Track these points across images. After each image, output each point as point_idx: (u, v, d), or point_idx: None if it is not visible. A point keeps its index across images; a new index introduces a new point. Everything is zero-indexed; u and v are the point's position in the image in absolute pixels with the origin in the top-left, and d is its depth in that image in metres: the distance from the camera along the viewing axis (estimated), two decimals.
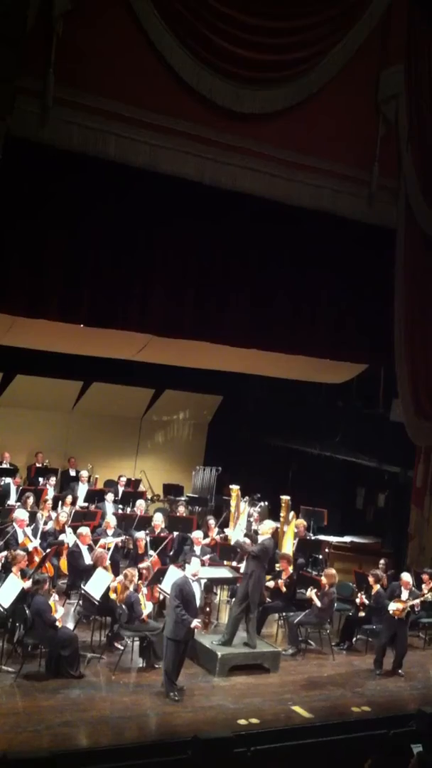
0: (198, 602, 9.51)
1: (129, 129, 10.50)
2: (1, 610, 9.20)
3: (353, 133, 12.15)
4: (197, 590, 9.52)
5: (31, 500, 12.69)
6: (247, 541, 10.75)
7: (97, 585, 9.97)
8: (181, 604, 9.13)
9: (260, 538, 10.72)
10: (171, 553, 12.44)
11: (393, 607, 10.52)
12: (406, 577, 10.99)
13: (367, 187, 12.41)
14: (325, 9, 11.53)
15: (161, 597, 10.83)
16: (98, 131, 10.33)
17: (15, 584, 9.29)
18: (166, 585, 10.22)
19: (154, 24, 10.43)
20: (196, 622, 9.21)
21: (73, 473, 16.11)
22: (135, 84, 10.48)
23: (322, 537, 14.67)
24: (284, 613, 11.48)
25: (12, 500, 13.90)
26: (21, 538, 11.22)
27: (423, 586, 11.46)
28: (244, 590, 10.33)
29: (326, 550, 14.35)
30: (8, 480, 14.57)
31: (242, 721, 8.69)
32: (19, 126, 9.68)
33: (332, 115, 11.88)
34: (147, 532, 12.27)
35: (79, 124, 10.19)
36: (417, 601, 10.84)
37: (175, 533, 13.03)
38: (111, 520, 12.44)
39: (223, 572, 11.37)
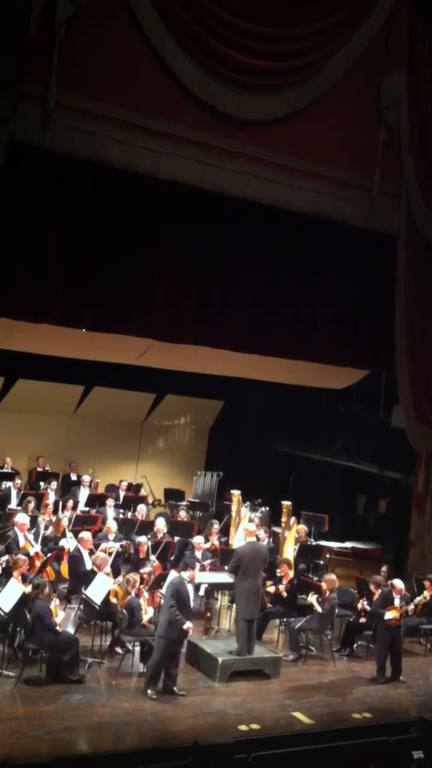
0: (192, 604, 9.50)
1: (130, 134, 10.48)
2: (2, 614, 9.20)
3: (355, 139, 12.14)
4: (191, 592, 9.52)
5: (32, 505, 12.71)
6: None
7: (98, 590, 9.96)
8: (176, 604, 9.15)
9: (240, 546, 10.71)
10: (172, 558, 12.44)
11: (389, 616, 10.49)
12: (398, 584, 10.97)
13: (369, 192, 12.38)
14: (326, 16, 11.54)
15: (162, 602, 10.82)
16: (99, 136, 10.31)
17: (16, 589, 9.29)
18: None
19: (155, 30, 10.42)
20: (188, 624, 9.22)
21: (74, 478, 16.13)
22: (136, 89, 10.48)
23: (323, 542, 14.66)
24: (285, 619, 11.46)
25: (13, 504, 13.91)
26: (22, 543, 11.22)
27: (425, 591, 11.43)
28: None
29: (327, 555, 14.34)
30: (9, 484, 14.58)
31: (243, 727, 8.68)
32: (21, 131, 9.69)
33: (334, 121, 11.87)
34: (149, 536, 12.28)
35: (81, 129, 10.17)
36: (411, 606, 10.82)
37: (176, 538, 13.03)
38: (112, 525, 12.44)
39: (223, 577, 11.36)
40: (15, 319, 11.45)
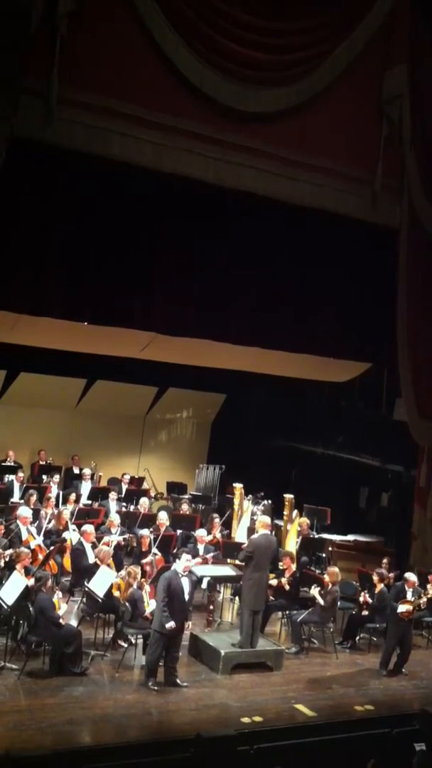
0: (186, 597, 9.49)
1: (133, 128, 10.50)
2: (5, 607, 9.24)
3: (357, 133, 12.15)
4: (186, 585, 9.49)
5: (34, 498, 12.74)
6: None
7: (101, 582, 9.99)
8: (167, 599, 9.17)
9: (254, 536, 10.70)
10: (174, 551, 12.46)
11: (402, 609, 10.45)
12: (411, 576, 10.98)
13: (371, 187, 12.39)
14: (329, 10, 11.54)
15: None
16: (102, 130, 10.33)
17: (19, 582, 9.32)
18: None
19: (157, 23, 10.43)
20: (171, 624, 9.18)
21: (76, 471, 16.14)
22: (139, 83, 10.48)
23: (325, 535, 14.67)
24: (287, 612, 11.49)
25: (15, 497, 13.94)
26: (24, 536, 11.25)
27: (428, 586, 11.44)
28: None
29: (329, 548, 14.36)
30: (11, 477, 14.61)
31: (245, 720, 8.71)
32: (23, 126, 9.70)
33: (336, 115, 11.88)
34: (151, 530, 12.31)
35: (83, 123, 10.19)
36: (424, 599, 10.83)
37: (179, 531, 13.05)
38: (114, 518, 12.46)
39: (226, 570, 11.39)
40: (17, 312, 11.48)
